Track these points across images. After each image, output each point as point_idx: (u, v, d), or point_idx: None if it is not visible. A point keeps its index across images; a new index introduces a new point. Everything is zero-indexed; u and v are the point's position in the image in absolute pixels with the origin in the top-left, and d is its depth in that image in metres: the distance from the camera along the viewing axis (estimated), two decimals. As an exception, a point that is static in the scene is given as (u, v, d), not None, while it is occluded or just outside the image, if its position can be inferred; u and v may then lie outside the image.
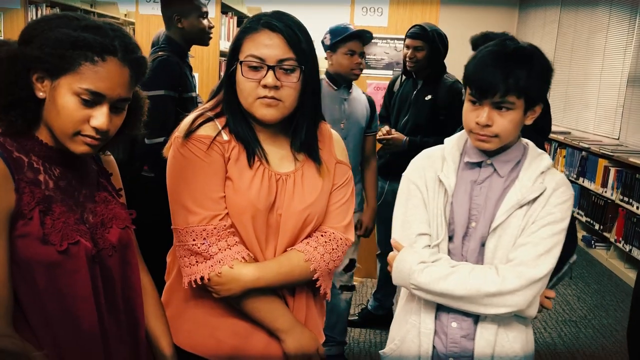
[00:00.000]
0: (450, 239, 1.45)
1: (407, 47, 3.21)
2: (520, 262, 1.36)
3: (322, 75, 2.80)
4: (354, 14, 4.00)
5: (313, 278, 1.37)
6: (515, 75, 1.34)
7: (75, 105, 1.06)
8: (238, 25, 5.48)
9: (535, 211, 1.40)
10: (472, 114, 1.40)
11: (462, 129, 1.48)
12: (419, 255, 1.42)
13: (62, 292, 1.08)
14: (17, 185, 1.05)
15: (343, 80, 2.83)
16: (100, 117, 1.07)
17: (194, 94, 2.69)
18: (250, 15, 6.11)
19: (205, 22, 2.70)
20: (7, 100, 1.06)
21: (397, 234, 1.50)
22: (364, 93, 3.01)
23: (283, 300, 1.40)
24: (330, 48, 2.80)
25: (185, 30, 2.66)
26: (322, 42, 2.80)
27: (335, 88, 2.83)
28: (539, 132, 2.73)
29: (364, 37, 2.85)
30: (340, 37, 2.76)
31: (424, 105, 3.22)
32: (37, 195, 1.06)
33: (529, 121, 1.42)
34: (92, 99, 1.06)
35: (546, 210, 1.40)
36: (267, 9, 1.37)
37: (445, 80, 3.27)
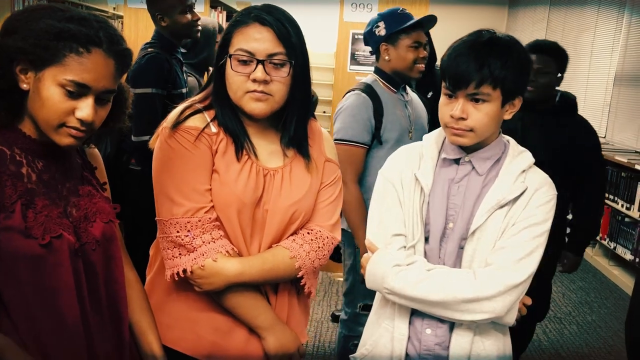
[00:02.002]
0: (427, 240, 1.39)
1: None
2: (499, 266, 1.30)
3: (373, 77, 2.36)
4: (343, 10, 3.99)
5: (297, 276, 1.35)
6: (490, 64, 1.27)
7: (60, 97, 1.05)
8: (227, 20, 5.46)
9: (515, 212, 1.33)
10: (447, 107, 1.34)
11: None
12: (393, 258, 1.35)
13: (44, 285, 1.07)
14: None
15: (402, 80, 2.33)
16: (85, 108, 1.06)
17: (184, 90, 2.66)
18: (240, 9, 6.08)
19: (188, 16, 2.63)
20: None
21: (372, 234, 1.44)
22: (413, 91, 2.55)
23: (265, 297, 1.38)
24: (387, 40, 2.26)
25: (170, 27, 2.61)
26: (372, 33, 2.31)
27: (395, 90, 2.32)
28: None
29: (428, 24, 2.30)
30: (404, 26, 2.22)
31: (426, 103, 3.14)
32: (20, 188, 1.05)
33: (507, 115, 1.36)
34: (77, 91, 1.05)
35: (527, 211, 1.33)
36: (256, 3, 1.36)
37: (439, 74, 3.22)
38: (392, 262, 1.35)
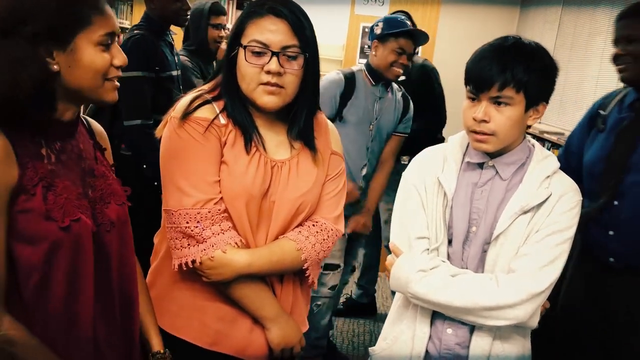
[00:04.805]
0: (450, 242, 1.40)
1: None
2: (522, 274, 1.30)
3: (361, 67, 2.64)
4: (354, 3, 3.98)
5: (303, 267, 1.37)
6: (513, 67, 1.28)
7: (101, 54, 1.08)
8: (238, 8, 5.43)
9: (540, 219, 1.33)
10: (470, 110, 1.34)
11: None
12: (417, 263, 1.36)
13: (62, 268, 1.06)
14: (20, 160, 1.02)
15: (382, 78, 2.57)
16: (118, 54, 1.11)
17: (174, 73, 2.64)
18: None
19: (178, 3, 2.60)
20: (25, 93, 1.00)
21: (395, 236, 1.45)
22: (402, 92, 2.75)
23: (271, 287, 1.40)
24: (380, 39, 2.53)
25: (158, 10, 2.59)
26: (372, 29, 2.58)
27: (373, 83, 2.59)
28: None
29: (419, 38, 2.59)
30: (396, 31, 2.50)
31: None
32: (40, 170, 1.04)
33: (531, 121, 1.36)
34: (111, 41, 1.09)
35: (551, 218, 1.33)
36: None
37: (415, 60, 3.19)
38: (416, 267, 1.36)
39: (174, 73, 2.65)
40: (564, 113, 6.52)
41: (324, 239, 1.39)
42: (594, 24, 6.01)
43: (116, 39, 1.12)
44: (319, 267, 1.46)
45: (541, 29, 7.10)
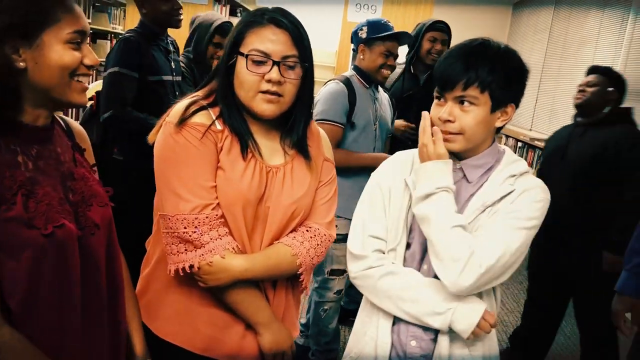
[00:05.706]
0: (409, 246, 1.40)
1: (434, 39, 3.16)
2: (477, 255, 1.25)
3: (351, 72, 2.71)
4: (347, 10, 3.99)
5: (298, 272, 1.38)
6: (478, 67, 1.27)
7: (69, 52, 1.06)
8: (231, 14, 5.44)
9: (500, 208, 1.30)
10: (435, 110, 1.34)
11: None
12: (364, 263, 1.40)
13: (47, 275, 1.05)
14: None
15: (372, 80, 2.68)
16: (89, 54, 1.09)
17: (166, 78, 2.64)
18: (244, 4, 6.01)
19: (169, 4, 2.62)
20: None
21: (352, 231, 1.46)
22: (385, 91, 2.88)
23: (264, 293, 1.41)
24: (366, 43, 2.63)
25: (150, 15, 2.61)
26: (356, 33, 2.66)
27: (367, 86, 2.68)
28: None
29: (403, 40, 2.70)
30: (382, 35, 2.58)
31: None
32: (19, 178, 1.03)
33: (499, 123, 1.34)
34: (81, 39, 1.07)
35: (513, 206, 1.29)
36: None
37: None
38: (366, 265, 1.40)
39: (167, 78, 2.64)
40: (554, 120, 6.57)
41: (317, 244, 1.40)
42: (584, 33, 6.06)
43: (87, 39, 1.11)
44: (311, 272, 1.47)
45: (532, 38, 7.17)
